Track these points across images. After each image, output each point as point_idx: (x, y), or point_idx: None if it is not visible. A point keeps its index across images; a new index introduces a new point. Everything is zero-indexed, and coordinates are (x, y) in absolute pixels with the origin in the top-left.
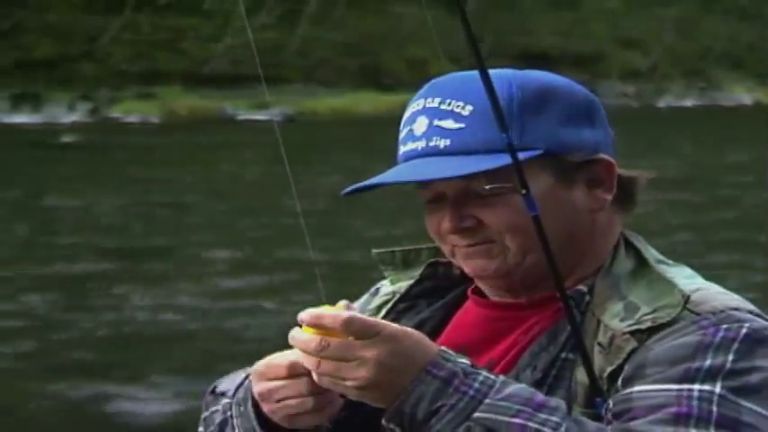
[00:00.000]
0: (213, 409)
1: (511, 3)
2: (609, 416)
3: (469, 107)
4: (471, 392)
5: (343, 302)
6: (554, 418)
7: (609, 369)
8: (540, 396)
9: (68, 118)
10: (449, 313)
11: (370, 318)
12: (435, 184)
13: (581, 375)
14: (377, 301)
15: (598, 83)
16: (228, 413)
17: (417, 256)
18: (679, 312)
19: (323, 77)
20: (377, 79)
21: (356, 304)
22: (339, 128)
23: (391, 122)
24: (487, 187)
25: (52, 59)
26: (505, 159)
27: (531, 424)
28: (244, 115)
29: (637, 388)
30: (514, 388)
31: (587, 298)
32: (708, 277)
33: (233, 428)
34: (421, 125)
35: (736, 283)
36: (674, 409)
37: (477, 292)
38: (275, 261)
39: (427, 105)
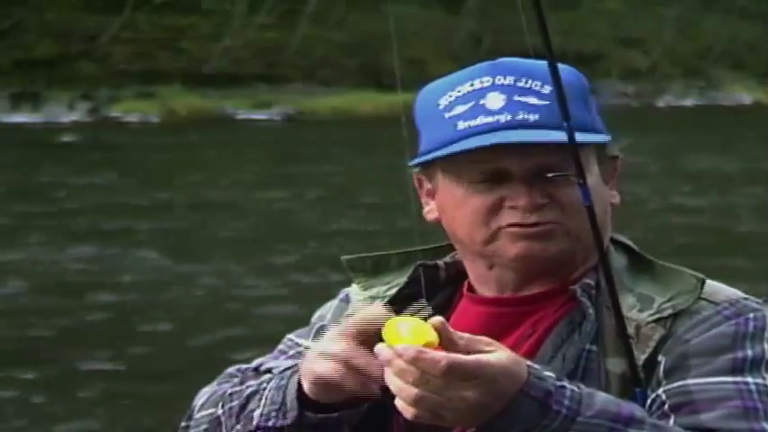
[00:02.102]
0: (249, 383)
1: (510, 2)
2: (665, 408)
3: (548, 86)
4: (564, 411)
5: (437, 320)
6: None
7: (643, 357)
8: (624, 407)
9: (68, 117)
10: (440, 314)
11: (470, 359)
12: (500, 159)
13: (612, 366)
14: (354, 306)
15: (598, 82)
16: (264, 385)
17: (387, 261)
18: (696, 299)
19: (323, 77)
20: (377, 79)
21: (328, 310)
22: (339, 128)
23: (392, 122)
24: (553, 176)
25: (52, 59)
26: (591, 137)
27: None
28: (243, 115)
29: (691, 381)
30: (600, 401)
31: (594, 292)
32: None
33: (260, 399)
34: (496, 100)
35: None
36: (739, 403)
37: (470, 291)
38: (281, 260)
39: (497, 82)
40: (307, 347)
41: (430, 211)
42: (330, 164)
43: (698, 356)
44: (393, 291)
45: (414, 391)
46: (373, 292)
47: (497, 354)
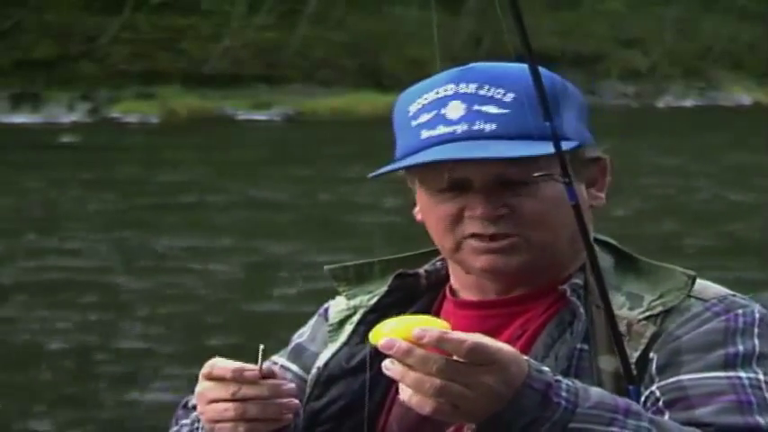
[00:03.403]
0: (183, 422)
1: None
2: (659, 404)
3: (511, 94)
4: (563, 403)
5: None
6: (644, 424)
7: (635, 355)
8: (620, 400)
9: (68, 118)
10: None
11: (490, 342)
12: (460, 169)
13: (604, 364)
14: (335, 317)
15: (598, 83)
16: (196, 424)
17: (370, 269)
18: (685, 296)
19: (323, 77)
20: (377, 79)
21: (307, 327)
22: (339, 128)
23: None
24: (535, 174)
25: (52, 59)
26: (541, 148)
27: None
28: (243, 115)
29: (685, 377)
30: (596, 394)
31: (582, 291)
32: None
33: None
34: (456, 109)
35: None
36: (733, 397)
37: (452, 295)
38: (281, 260)
39: (461, 90)
40: (283, 366)
41: (417, 212)
42: (330, 164)
43: (690, 352)
44: (374, 300)
45: (437, 381)
46: (357, 301)
47: (501, 343)
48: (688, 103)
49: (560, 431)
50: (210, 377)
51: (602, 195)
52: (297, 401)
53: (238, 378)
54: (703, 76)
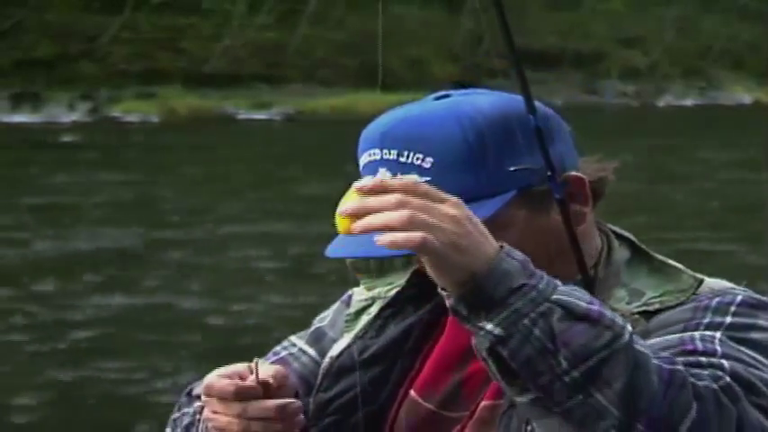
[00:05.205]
0: (185, 410)
1: (511, 2)
2: None
3: (429, 159)
4: (545, 278)
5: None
6: (616, 314)
7: None
8: None
9: (68, 117)
10: (437, 317)
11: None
12: None
13: None
14: (354, 306)
15: (598, 82)
16: (197, 416)
17: (391, 261)
18: (686, 297)
19: (323, 77)
20: (377, 79)
21: (329, 312)
22: (339, 128)
23: None
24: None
25: (52, 59)
26: (484, 206)
27: (606, 312)
28: (243, 115)
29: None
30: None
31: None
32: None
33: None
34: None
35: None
36: (679, 348)
37: None
38: (278, 258)
39: (385, 157)
40: (301, 349)
41: None
42: (330, 164)
43: (656, 330)
44: (392, 293)
45: (406, 212)
46: (375, 292)
47: None
48: (688, 102)
49: (544, 300)
50: (211, 396)
51: (585, 209)
52: (302, 418)
53: (241, 398)
54: (703, 76)
